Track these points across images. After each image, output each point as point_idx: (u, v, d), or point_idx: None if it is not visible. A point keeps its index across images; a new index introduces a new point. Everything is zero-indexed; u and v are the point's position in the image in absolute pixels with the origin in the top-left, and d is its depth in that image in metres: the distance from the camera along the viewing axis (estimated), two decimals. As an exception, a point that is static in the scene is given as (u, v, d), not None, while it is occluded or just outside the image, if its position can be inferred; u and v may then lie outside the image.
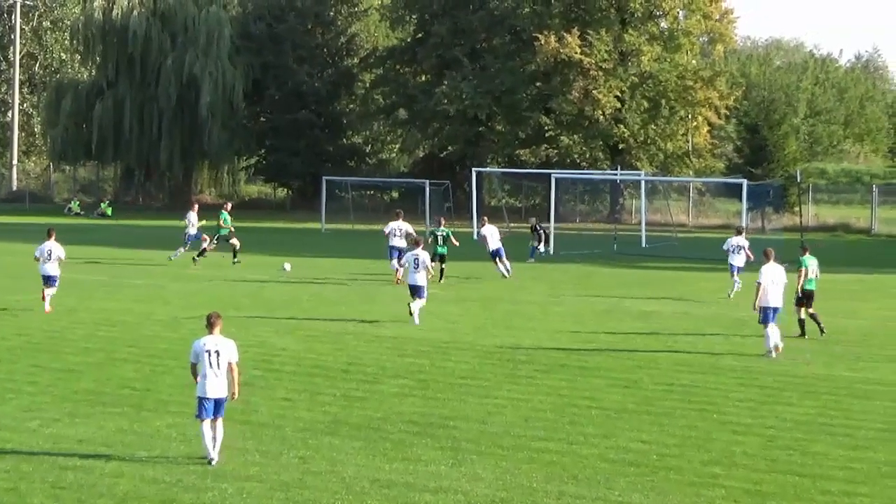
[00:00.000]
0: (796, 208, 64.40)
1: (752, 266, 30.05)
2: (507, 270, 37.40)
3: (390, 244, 36.36)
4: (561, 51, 69.05)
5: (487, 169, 69.78)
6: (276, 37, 78.48)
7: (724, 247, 34.07)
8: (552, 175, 54.77)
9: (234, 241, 40.65)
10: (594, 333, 26.18)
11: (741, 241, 33.69)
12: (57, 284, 28.38)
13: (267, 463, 15.10)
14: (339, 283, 35.72)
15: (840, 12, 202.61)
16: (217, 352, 15.07)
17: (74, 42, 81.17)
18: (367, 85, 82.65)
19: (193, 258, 40.08)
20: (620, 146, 70.94)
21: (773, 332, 23.36)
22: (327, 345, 24.14)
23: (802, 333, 25.49)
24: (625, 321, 28.31)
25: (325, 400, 18.89)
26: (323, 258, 44.92)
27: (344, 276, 37.57)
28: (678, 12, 73.25)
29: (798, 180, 60.36)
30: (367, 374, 21.09)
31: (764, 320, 23.50)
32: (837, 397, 19.72)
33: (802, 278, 25.50)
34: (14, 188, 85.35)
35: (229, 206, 43.51)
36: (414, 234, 34.69)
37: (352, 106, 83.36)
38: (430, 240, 35.48)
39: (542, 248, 43.98)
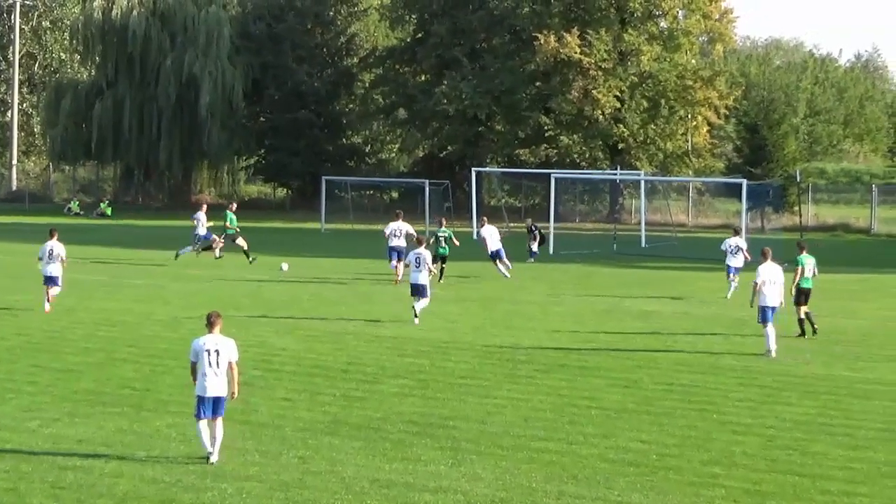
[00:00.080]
0: (796, 208, 64.44)
1: (750, 266, 30.04)
2: (507, 270, 37.36)
3: (390, 245, 36.40)
4: (560, 50, 68.96)
5: (487, 169, 69.76)
6: (275, 37, 78.40)
7: (722, 247, 34.07)
8: (552, 175, 54.71)
9: (241, 241, 40.64)
10: (594, 333, 26.18)
11: (739, 241, 33.71)
12: (60, 284, 28.42)
13: (267, 463, 15.11)
14: (339, 283, 35.72)
15: (840, 12, 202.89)
16: (217, 351, 15.09)
17: (74, 42, 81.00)
18: (367, 85, 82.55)
19: (196, 251, 40.49)
20: (620, 146, 70.86)
21: (771, 333, 23.39)
22: (327, 345, 24.14)
23: (802, 333, 25.53)
24: (625, 321, 28.31)
25: (324, 400, 18.89)
26: (323, 258, 44.89)
27: (344, 276, 37.58)
28: (678, 12, 73.12)
29: (798, 180, 60.46)
30: (367, 374, 21.10)
31: (763, 319, 23.55)
32: (837, 397, 19.73)
33: (798, 276, 25.55)
34: (14, 188, 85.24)
35: (234, 206, 43.51)
36: (415, 234, 34.68)
37: (351, 106, 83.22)
38: (431, 241, 35.48)
39: (534, 246, 43.94)
